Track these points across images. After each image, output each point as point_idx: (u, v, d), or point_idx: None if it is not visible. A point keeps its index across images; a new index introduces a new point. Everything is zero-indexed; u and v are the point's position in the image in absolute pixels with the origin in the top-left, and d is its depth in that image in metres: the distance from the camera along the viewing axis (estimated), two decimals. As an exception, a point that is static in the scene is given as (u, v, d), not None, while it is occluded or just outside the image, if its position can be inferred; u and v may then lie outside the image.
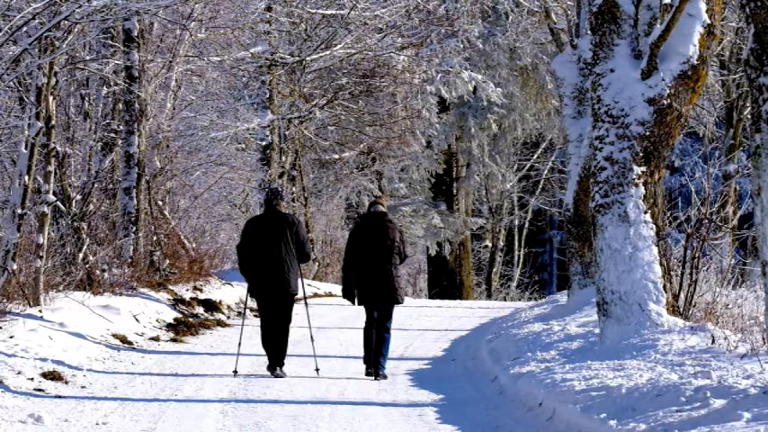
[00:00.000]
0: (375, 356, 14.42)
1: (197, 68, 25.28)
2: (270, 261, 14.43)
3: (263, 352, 14.54)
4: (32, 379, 12.89)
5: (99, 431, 10.50)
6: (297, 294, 14.67)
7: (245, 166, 29.86)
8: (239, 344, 14.92)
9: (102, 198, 21.75)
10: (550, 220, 54.87)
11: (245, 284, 15.68)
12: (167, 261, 23.00)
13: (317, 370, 14.47)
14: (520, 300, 44.00)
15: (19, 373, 12.96)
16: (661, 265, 13.16)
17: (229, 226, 30.59)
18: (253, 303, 18.27)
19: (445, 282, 41.71)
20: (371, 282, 14.45)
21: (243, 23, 25.08)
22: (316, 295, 27.88)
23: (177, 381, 13.56)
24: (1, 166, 19.71)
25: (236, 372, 14.34)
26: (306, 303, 15.71)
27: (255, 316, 19.74)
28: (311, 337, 15.18)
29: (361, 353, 14.62)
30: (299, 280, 14.68)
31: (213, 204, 30.08)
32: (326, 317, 22.39)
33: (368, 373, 14.40)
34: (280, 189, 15.11)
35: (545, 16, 21.83)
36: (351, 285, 14.59)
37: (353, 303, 14.72)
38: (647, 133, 13.15)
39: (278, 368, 14.36)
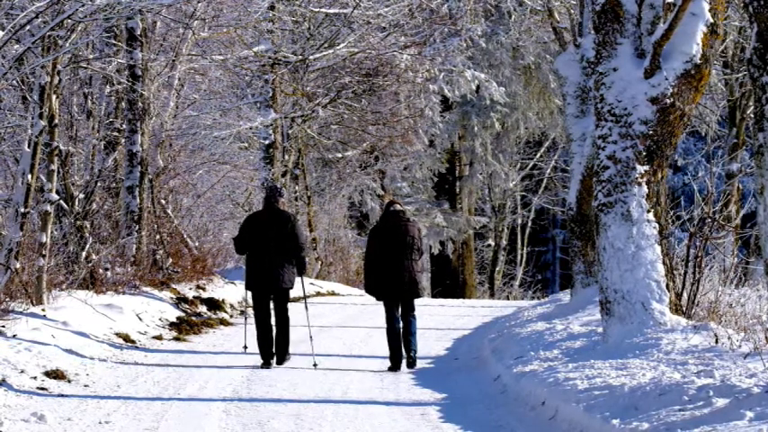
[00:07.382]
0: (406, 343, 14.86)
1: (200, 67, 25.28)
2: (265, 256, 14.87)
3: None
4: (35, 378, 12.89)
5: (102, 430, 10.50)
6: (291, 289, 15.01)
7: (247, 164, 29.88)
8: (245, 326, 15.48)
9: (104, 197, 21.76)
10: (553, 218, 54.90)
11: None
12: (170, 260, 22.99)
13: (315, 365, 14.68)
14: (523, 299, 44.01)
15: (22, 371, 12.97)
16: (664, 264, 13.14)
17: (232, 225, 30.57)
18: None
19: (448, 281, 41.72)
20: (394, 277, 14.86)
21: (246, 22, 25.07)
22: (318, 294, 27.89)
23: (180, 379, 13.56)
24: (4, 164, 19.72)
25: (246, 347, 14.94)
26: (305, 303, 15.91)
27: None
28: (310, 335, 15.48)
29: (364, 352, 14.67)
30: (296, 276, 15.03)
31: (216, 203, 30.08)
32: (329, 316, 22.40)
33: (391, 369, 14.72)
34: (279, 186, 15.58)
35: (548, 15, 21.79)
36: (373, 282, 14.99)
37: (378, 298, 15.11)
38: (650, 132, 13.13)
39: (283, 361, 14.71)
